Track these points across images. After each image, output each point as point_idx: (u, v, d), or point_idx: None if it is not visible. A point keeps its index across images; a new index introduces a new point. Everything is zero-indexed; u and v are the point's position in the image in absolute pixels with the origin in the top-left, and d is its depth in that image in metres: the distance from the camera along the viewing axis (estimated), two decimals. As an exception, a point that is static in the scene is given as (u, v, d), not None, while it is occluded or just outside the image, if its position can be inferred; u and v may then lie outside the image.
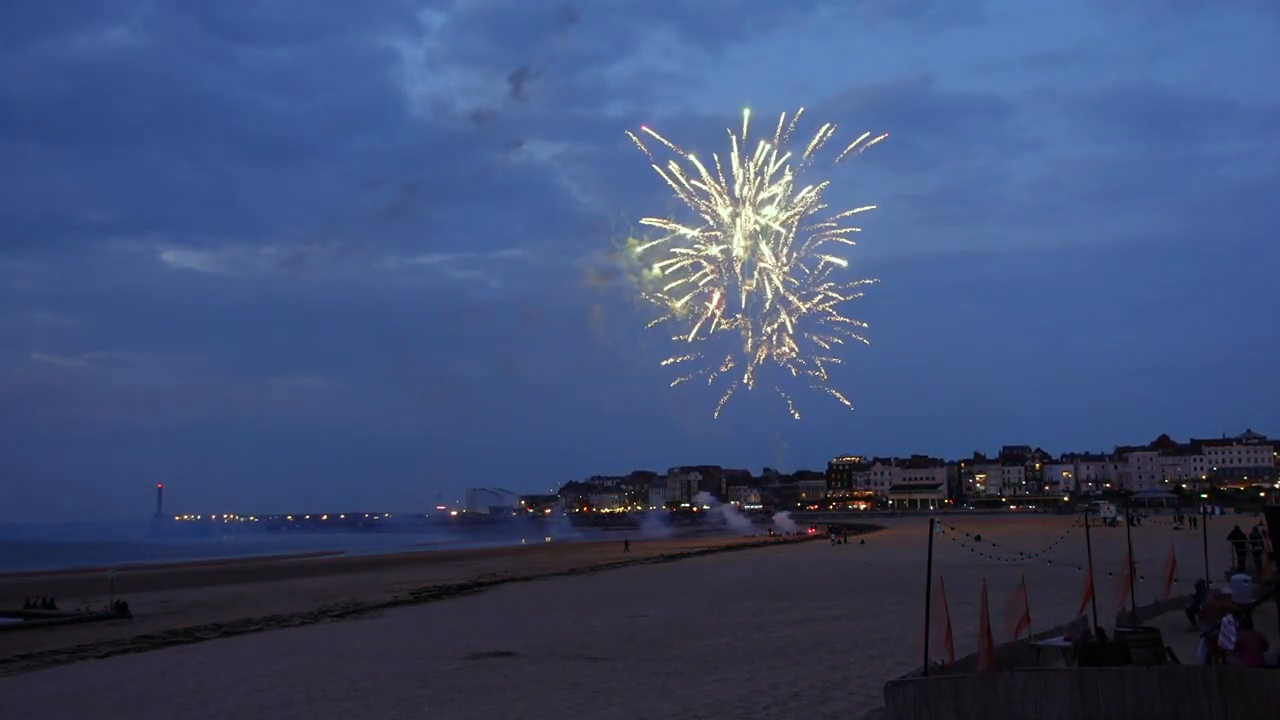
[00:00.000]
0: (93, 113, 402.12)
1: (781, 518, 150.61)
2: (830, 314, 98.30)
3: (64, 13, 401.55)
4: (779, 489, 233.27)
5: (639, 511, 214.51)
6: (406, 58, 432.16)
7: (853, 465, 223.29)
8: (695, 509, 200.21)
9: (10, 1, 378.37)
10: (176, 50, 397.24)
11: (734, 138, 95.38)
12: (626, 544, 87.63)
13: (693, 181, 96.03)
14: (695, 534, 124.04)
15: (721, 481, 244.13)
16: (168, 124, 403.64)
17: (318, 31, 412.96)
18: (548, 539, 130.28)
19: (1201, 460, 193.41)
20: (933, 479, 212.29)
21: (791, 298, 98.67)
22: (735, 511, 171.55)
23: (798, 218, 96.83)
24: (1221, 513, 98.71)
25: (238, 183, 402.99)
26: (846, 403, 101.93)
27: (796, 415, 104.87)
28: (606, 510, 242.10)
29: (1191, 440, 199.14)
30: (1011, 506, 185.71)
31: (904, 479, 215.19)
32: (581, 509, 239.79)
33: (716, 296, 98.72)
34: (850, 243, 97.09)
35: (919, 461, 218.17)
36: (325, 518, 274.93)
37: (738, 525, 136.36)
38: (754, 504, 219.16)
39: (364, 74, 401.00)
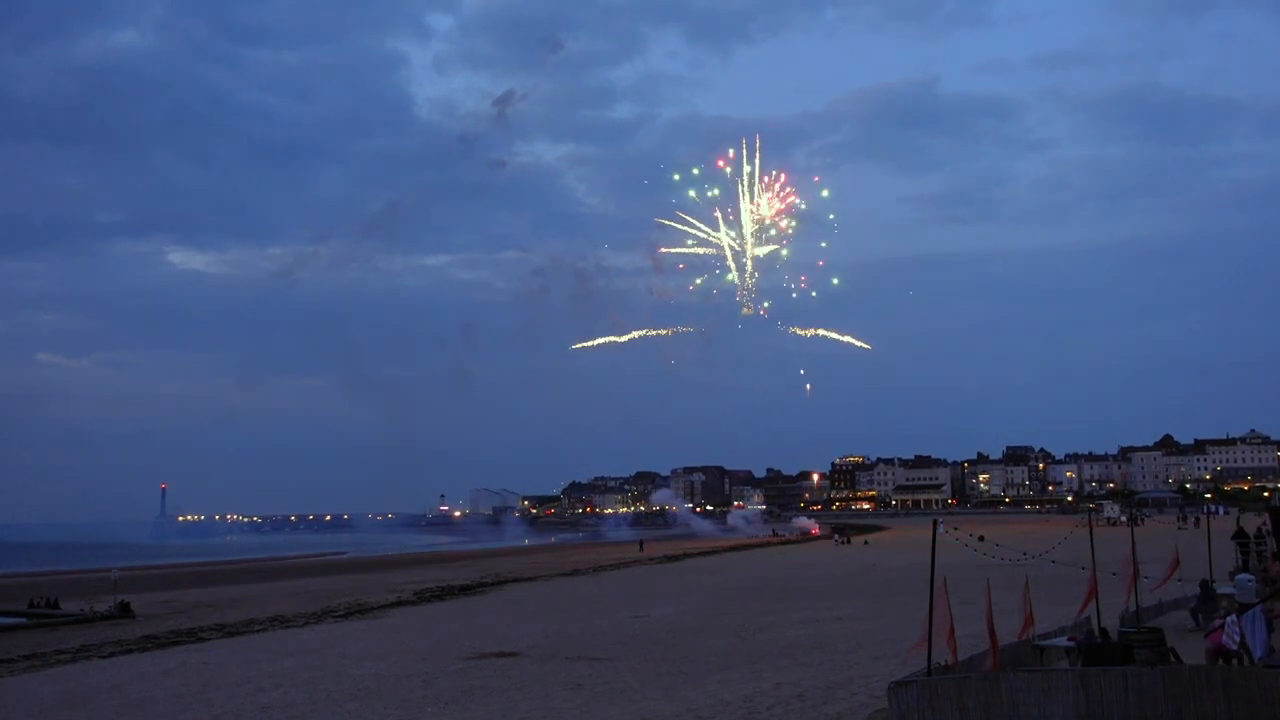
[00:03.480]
0: (100, 115, 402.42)
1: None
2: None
3: (73, 15, 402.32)
4: (782, 489, 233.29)
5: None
6: (414, 60, 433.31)
7: (856, 465, 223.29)
8: (652, 509, 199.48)
9: (20, 4, 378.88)
10: (185, 53, 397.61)
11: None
12: (641, 544, 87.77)
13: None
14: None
15: (725, 482, 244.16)
16: (175, 126, 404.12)
17: (325, 34, 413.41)
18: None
19: (1205, 460, 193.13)
20: (936, 479, 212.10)
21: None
22: (692, 513, 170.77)
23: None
24: (1225, 513, 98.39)
25: (244, 184, 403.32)
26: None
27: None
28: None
29: (1195, 440, 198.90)
30: (1023, 506, 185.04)
31: (907, 479, 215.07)
32: (586, 509, 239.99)
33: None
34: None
35: (922, 462, 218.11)
36: (329, 518, 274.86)
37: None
38: (757, 504, 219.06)
39: (371, 77, 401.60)
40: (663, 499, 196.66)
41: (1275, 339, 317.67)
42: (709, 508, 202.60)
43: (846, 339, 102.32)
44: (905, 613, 26.05)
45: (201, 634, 30.09)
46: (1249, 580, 20.71)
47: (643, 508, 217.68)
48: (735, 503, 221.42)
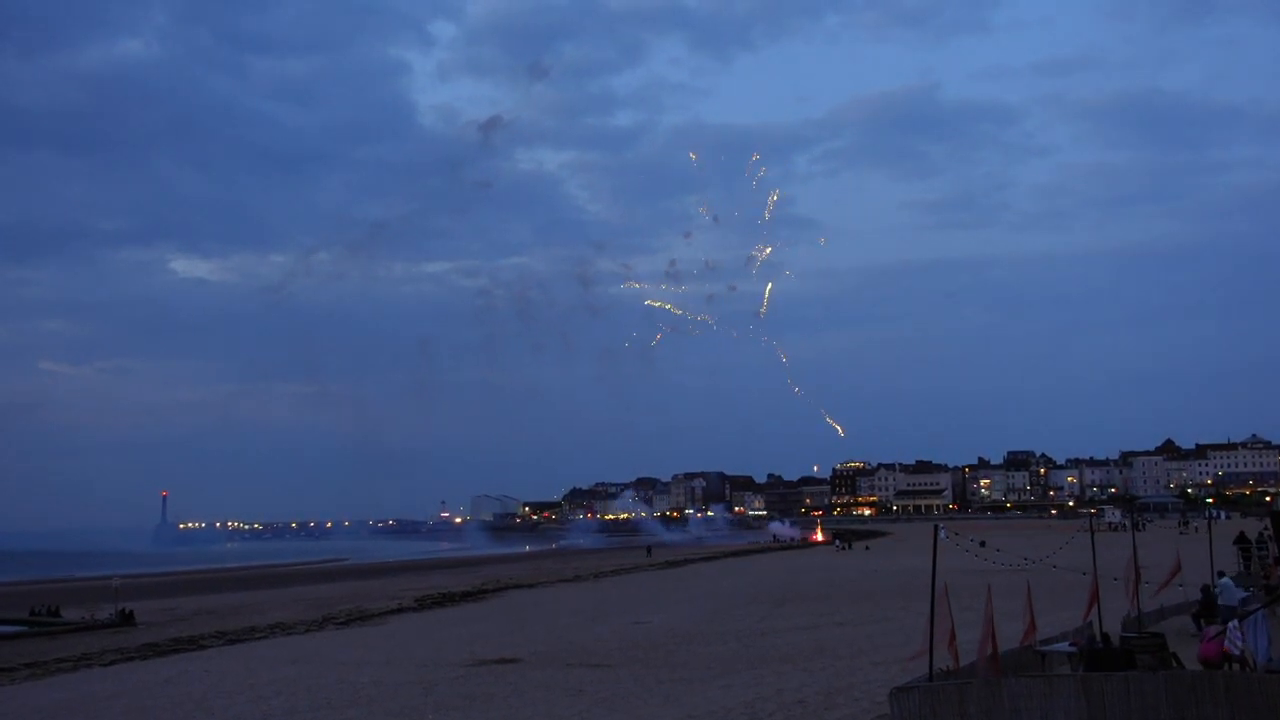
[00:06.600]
0: (104, 123, 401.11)
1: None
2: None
3: (77, 25, 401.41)
4: (784, 494, 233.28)
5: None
6: (417, 68, 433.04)
7: (857, 471, 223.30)
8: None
9: (24, 14, 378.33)
10: (189, 62, 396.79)
11: None
12: (649, 550, 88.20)
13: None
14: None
15: (725, 487, 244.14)
16: (179, 134, 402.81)
17: (329, 43, 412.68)
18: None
19: (1206, 465, 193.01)
20: (937, 484, 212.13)
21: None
22: (655, 520, 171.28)
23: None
24: (1227, 517, 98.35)
25: (247, 192, 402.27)
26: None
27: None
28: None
29: (1197, 445, 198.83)
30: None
31: (908, 485, 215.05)
32: (586, 514, 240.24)
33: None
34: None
35: (923, 467, 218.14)
36: (330, 525, 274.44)
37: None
38: (758, 509, 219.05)
39: (374, 85, 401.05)
40: (622, 507, 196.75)
41: (1277, 344, 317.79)
42: (673, 514, 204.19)
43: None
44: (906, 618, 26.04)
45: (203, 641, 30.05)
46: (1230, 583, 20.85)
47: (643, 514, 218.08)
48: (737, 507, 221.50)
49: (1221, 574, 21.90)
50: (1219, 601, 19.70)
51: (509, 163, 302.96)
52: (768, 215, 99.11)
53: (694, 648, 22.62)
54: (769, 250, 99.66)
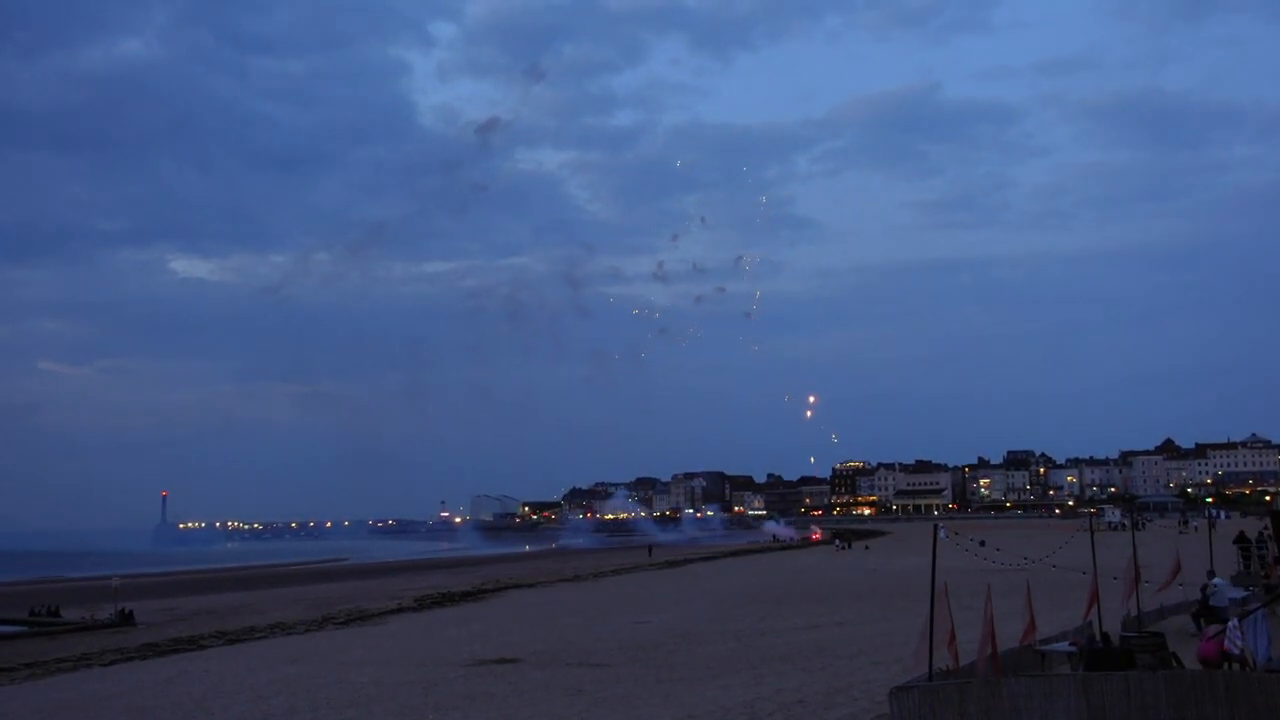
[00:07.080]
0: (104, 123, 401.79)
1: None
2: None
3: (77, 25, 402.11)
4: (783, 494, 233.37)
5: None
6: (417, 69, 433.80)
7: (857, 471, 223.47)
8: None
9: (25, 14, 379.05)
10: (189, 62, 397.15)
11: None
12: (650, 549, 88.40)
13: None
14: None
15: (725, 487, 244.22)
16: (178, 134, 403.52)
17: (330, 43, 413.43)
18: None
19: (1206, 464, 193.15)
20: (937, 484, 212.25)
21: None
22: (650, 520, 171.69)
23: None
24: (1227, 517, 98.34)
25: (247, 192, 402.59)
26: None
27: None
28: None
29: (1196, 444, 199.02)
30: (1020, 511, 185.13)
31: (908, 484, 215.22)
32: (586, 514, 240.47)
33: None
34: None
35: (923, 467, 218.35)
36: (329, 525, 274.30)
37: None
38: (758, 509, 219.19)
39: (375, 85, 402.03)
40: (618, 507, 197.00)
41: (1276, 343, 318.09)
42: (671, 514, 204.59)
43: None
44: (906, 618, 26.02)
45: (202, 641, 30.05)
46: (1221, 584, 20.85)
47: (643, 513, 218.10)
48: (737, 507, 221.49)
49: (1211, 573, 21.90)
50: (1210, 602, 19.73)
51: (509, 163, 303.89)
52: (760, 220, 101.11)
53: (694, 647, 22.61)
54: (758, 257, 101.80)
